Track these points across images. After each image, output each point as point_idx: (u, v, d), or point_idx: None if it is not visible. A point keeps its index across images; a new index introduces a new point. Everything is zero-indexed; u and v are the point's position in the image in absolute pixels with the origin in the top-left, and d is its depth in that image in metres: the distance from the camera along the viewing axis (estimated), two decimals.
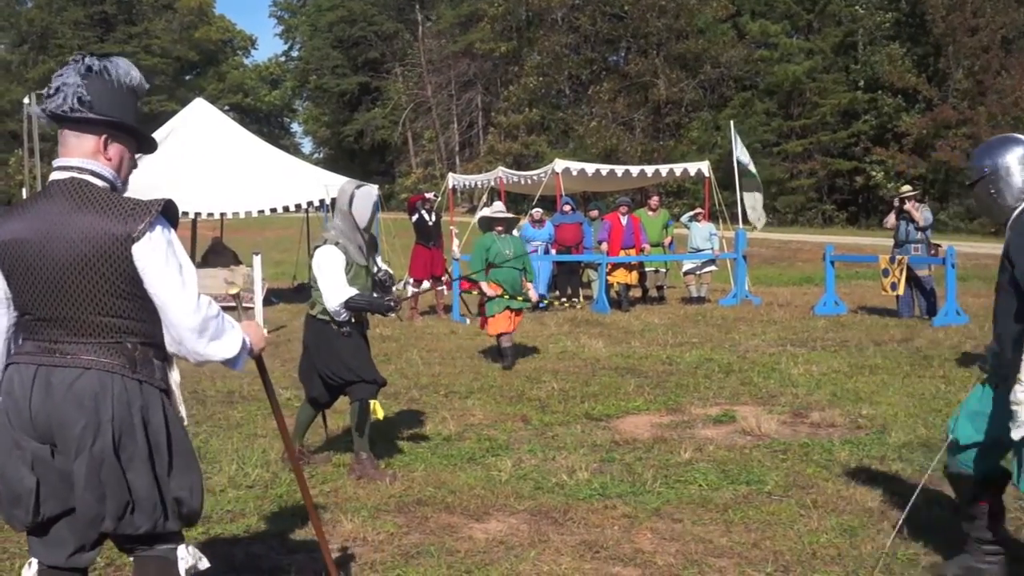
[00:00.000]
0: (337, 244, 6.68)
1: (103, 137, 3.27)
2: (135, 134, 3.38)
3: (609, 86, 55.34)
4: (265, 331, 3.69)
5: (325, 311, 6.73)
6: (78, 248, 3.11)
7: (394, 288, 7.24)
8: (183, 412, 3.48)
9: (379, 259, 7.23)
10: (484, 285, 11.18)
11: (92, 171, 3.24)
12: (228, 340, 3.36)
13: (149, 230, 3.16)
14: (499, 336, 11.33)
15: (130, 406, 3.20)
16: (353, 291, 6.59)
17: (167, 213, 3.27)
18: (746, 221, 19.97)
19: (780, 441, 7.50)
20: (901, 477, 6.45)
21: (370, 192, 6.86)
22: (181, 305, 3.22)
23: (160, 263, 3.17)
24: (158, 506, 3.25)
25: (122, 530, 3.24)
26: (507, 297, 11.14)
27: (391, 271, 7.23)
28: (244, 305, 4.14)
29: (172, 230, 3.29)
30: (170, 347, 3.34)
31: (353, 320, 6.79)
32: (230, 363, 3.41)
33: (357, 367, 6.83)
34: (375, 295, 6.91)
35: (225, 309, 3.48)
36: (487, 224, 11.68)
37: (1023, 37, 48.25)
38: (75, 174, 3.23)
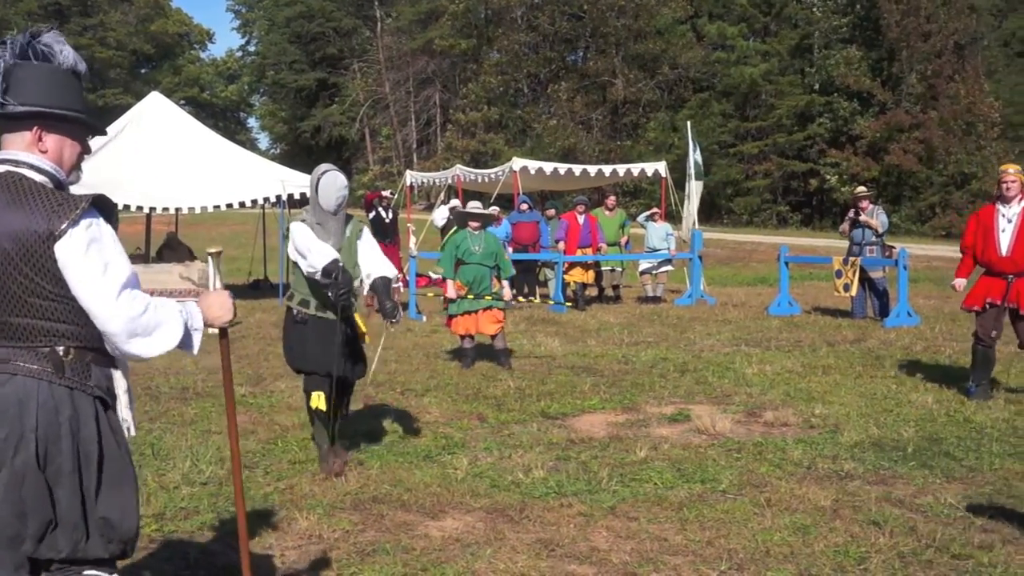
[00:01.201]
0: (304, 221, 6.72)
1: (36, 128, 3.07)
2: (76, 120, 3.15)
3: (567, 85, 55.42)
4: (231, 300, 3.42)
5: (291, 296, 6.79)
6: (3, 247, 2.94)
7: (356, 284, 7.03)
8: (131, 421, 3.27)
9: (371, 259, 6.93)
10: (450, 284, 11.03)
11: (29, 164, 3.05)
12: (160, 336, 3.10)
13: (72, 227, 2.94)
14: (461, 336, 11.23)
15: (58, 415, 2.98)
16: (331, 259, 6.44)
17: (99, 208, 3.07)
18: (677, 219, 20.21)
19: (734, 440, 7.56)
20: (853, 476, 6.53)
21: (336, 177, 6.83)
22: (101, 307, 2.99)
23: (79, 263, 2.96)
24: (80, 526, 3.00)
25: (43, 553, 3.00)
26: (471, 297, 10.95)
27: (388, 276, 6.88)
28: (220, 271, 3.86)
29: (103, 226, 3.06)
30: (111, 349, 3.13)
31: (325, 310, 6.68)
32: (182, 349, 3.20)
33: (304, 357, 6.77)
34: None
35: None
36: (462, 219, 11.55)
37: (975, 43, 48.96)
38: (10, 167, 3.04)
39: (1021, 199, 9.08)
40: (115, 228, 3.15)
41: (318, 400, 6.77)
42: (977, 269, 9.49)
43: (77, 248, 2.96)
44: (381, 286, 6.83)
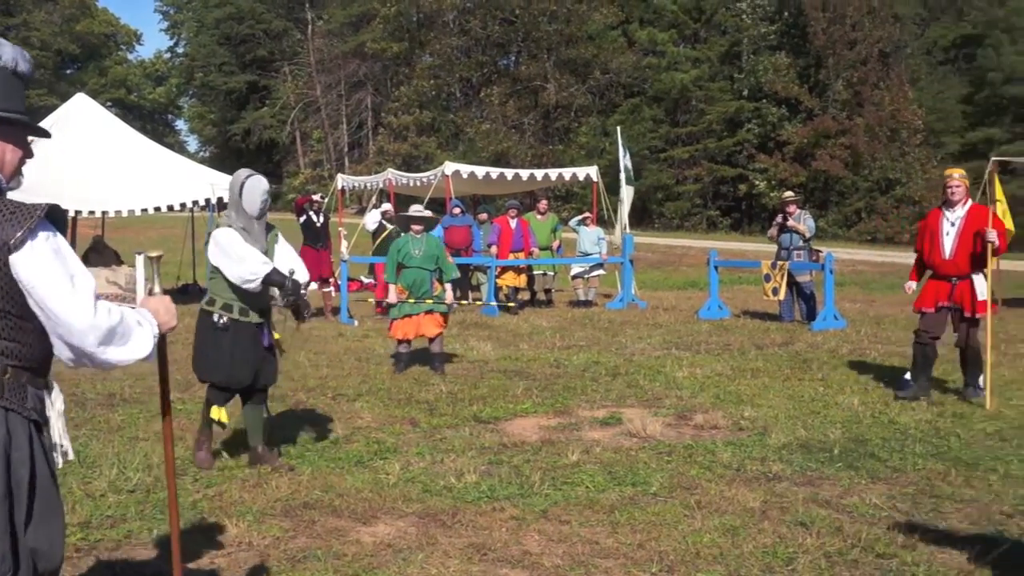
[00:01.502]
0: (230, 227, 6.70)
1: None
2: (18, 123, 3.01)
3: (500, 89, 55.56)
4: (174, 306, 3.33)
5: (211, 301, 6.76)
6: None
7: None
8: (67, 446, 3.14)
9: (286, 256, 6.97)
10: (391, 288, 11.03)
11: None
12: (136, 342, 3.01)
13: (30, 237, 2.80)
14: (399, 341, 11.13)
15: None
16: (269, 267, 6.54)
17: (52, 218, 2.92)
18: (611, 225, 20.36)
19: (665, 443, 7.62)
20: (781, 477, 6.62)
21: (259, 182, 6.84)
22: (77, 318, 2.84)
23: (45, 277, 2.81)
24: (7, 558, 2.84)
25: None
26: (412, 301, 10.89)
27: (296, 278, 6.82)
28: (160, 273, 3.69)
29: (59, 236, 2.92)
30: (69, 362, 2.95)
31: (248, 315, 6.72)
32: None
33: (218, 367, 6.79)
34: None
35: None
36: (404, 223, 11.49)
37: (899, 51, 49.95)
38: None
39: (965, 203, 9.33)
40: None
41: (219, 413, 6.93)
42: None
43: (40, 261, 2.82)
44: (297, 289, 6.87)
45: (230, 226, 6.71)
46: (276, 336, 7.05)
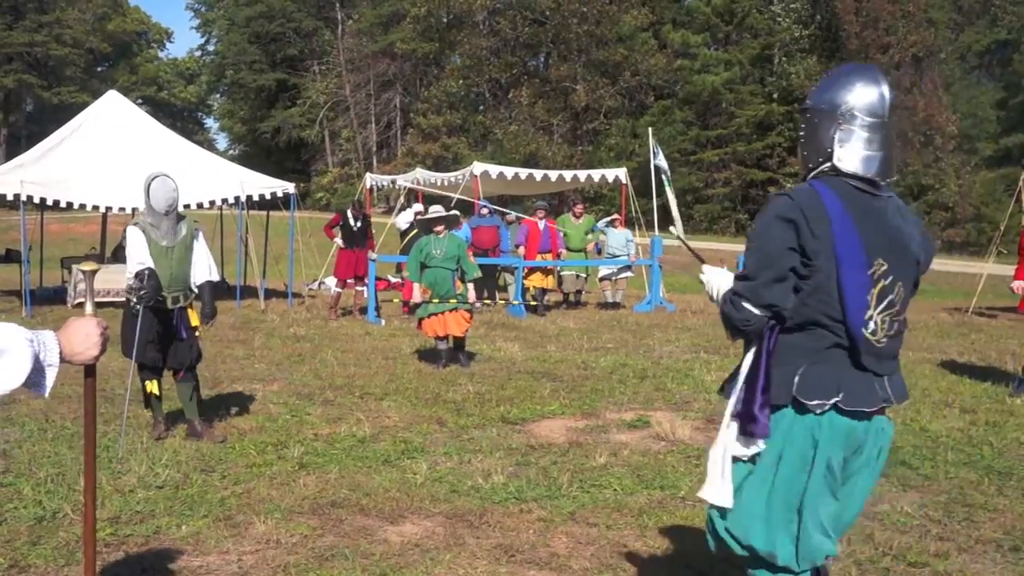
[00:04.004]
0: (137, 225, 7.64)
1: None
2: None
3: (529, 91, 55.51)
4: (99, 331, 2.88)
5: (129, 289, 7.51)
6: None
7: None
8: None
9: (197, 263, 7.82)
10: (415, 287, 11.34)
11: None
12: (4, 369, 2.58)
13: None
14: (436, 338, 11.36)
15: None
16: (145, 266, 7.40)
17: None
18: (670, 226, 20.24)
19: (693, 447, 7.57)
20: None
21: (165, 182, 7.64)
22: None
23: None
24: None
25: None
26: (436, 301, 11.13)
27: (211, 280, 7.89)
28: (94, 290, 3.18)
29: None
30: None
31: (152, 302, 7.45)
32: (29, 389, 2.69)
33: (124, 345, 7.60)
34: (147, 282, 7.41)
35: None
36: (426, 227, 11.70)
37: (933, 56, 49.59)
38: None
39: None
40: None
41: (152, 386, 7.83)
42: None
43: None
44: (204, 289, 7.82)
45: (137, 224, 7.65)
46: (194, 323, 7.83)
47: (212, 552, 5.24)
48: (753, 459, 3.46)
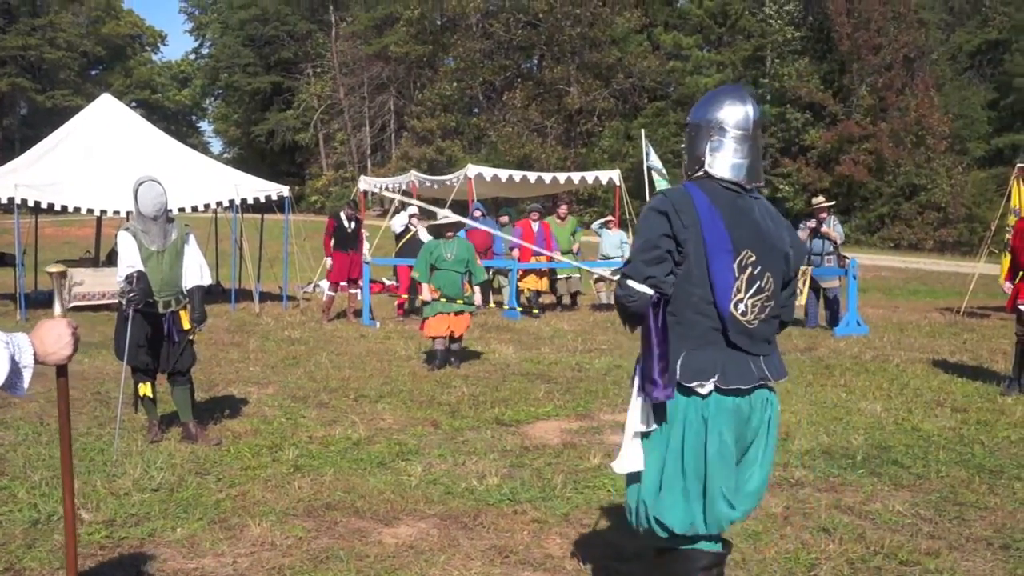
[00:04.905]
0: (128, 229, 7.64)
1: None
2: None
3: (523, 93, 55.51)
4: (70, 331, 2.94)
5: (122, 293, 7.54)
6: None
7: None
8: None
9: (188, 267, 7.88)
10: (425, 287, 11.52)
11: None
12: None
13: None
14: (433, 339, 11.56)
15: None
16: (135, 270, 7.43)
17: None
18: None
19: None
20: (804, 483, 6.60)
21: (152, 187, 7.66)
22: None
23: None
24: None
25: None
26: (444, 301, 11.37)
27: (201, 285, 7.93)
28: (67, 293, 3.11)
29: None
30: None
31: (141, 305, 7.48)
32: (6, 391, 2.75)
33: (126, 351, 7.55)
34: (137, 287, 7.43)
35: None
36: (437, 232, 11.94)
37: (924, 57, 49.66)
38: None
39: None
40: None
41: (145, 389, 7.86)
42: None
43: None
44: (193, 293, 7.87)
45: (128, 228, 7.66)
46: (185, 327, 7.87)
47: (207, 555, 5.26)
48: (650, 435, 3.78)
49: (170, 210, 8.12)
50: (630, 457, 3.81)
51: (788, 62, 50.63)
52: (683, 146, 4.12)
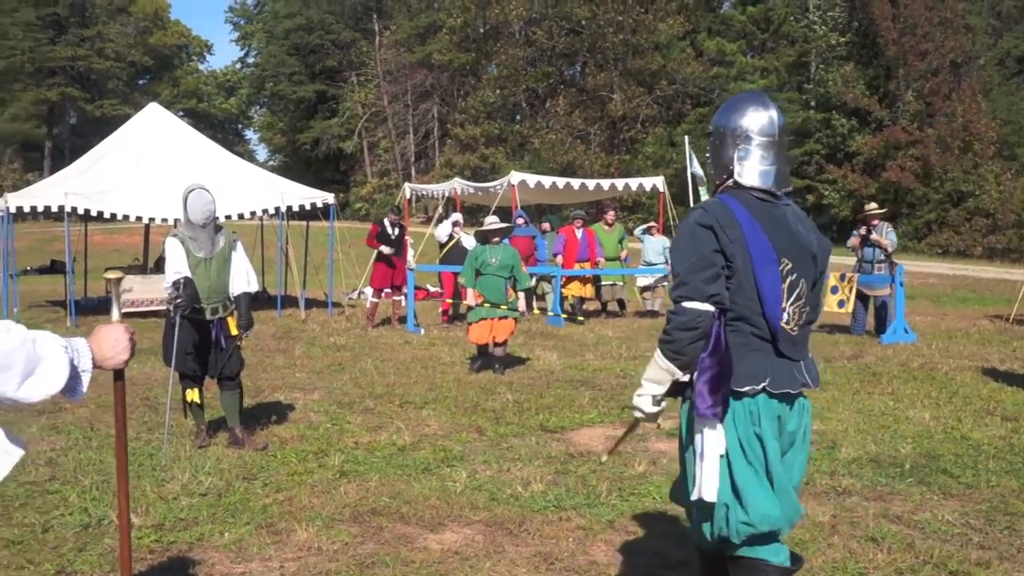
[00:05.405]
0: (176, 236, 7.78)
1: None
2: None
3: (566, 100, 55.54)
4: (127, 336, 2.98)
5: (169, 299, 7.60)
6: None
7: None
8: None
9: (236, 274, 7.99)
10: (469, 292, 11.72)
11: None
12: (45, 374, 2.62)
13: None
14: (478, 344, 11.72)
15: None
16: (181, 276, 7.54)
17: None
18: None
19: None
20: (851, 492, 6.54)
21: (201, 195, 7.78)
22: None
23: None
24: None
25: None
26: (488, 306, 11.47)
27: (248, 292, 8.05)
28: (122, 298, 3.14)
29: None
30: None
31: (188, 311, 7.59)
32: (65, 395, 2.72)
33: (175, 357, 7.66)
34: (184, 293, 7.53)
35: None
36: (483, 238, 11.99)
37: (971, 62, 49.11)
38: None
39: None
40: None
41: (192, 395, 7.94)
42: None
43: None
44: (240, 300, 7.97)
45: (176, 235, 7.78)
46: (233, 332, 7.96)
47: (254, 559, 5.31)
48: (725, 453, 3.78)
49: (218, 218, 8.16)
50: (710, 481, 3.79)
51: (833, 68, 50.27)
52: (707, 154, 4.07)
